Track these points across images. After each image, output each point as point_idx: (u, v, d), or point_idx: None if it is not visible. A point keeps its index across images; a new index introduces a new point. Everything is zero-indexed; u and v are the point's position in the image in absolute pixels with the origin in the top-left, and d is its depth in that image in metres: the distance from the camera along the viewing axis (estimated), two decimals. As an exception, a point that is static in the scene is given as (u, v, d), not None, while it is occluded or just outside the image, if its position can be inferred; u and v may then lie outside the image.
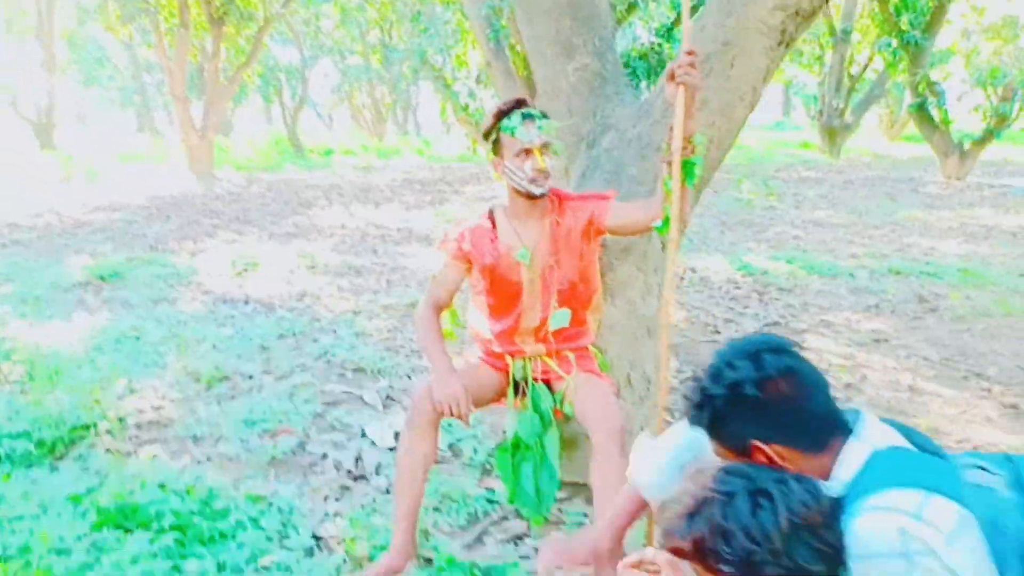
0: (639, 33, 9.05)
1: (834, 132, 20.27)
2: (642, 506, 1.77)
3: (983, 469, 1.36)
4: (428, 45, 10.17)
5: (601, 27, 3.14)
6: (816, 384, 1.38)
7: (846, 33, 19.16)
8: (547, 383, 2.43)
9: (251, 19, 18.18)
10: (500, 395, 2.47)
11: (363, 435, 3.33)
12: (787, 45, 2.62)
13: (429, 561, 2.34)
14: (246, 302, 5.59)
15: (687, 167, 2.10)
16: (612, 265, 2.62)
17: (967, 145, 14.70)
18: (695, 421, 1.43)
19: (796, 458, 1.35)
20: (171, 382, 3.87)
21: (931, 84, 17.15)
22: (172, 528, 2.35)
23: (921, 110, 15.63)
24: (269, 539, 2.40)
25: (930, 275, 6.08)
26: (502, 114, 2.29)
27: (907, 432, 1.41)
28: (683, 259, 6.91)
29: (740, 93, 2.62)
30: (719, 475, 1.27)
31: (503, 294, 2.41)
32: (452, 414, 2.17)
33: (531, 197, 2.30)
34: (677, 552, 1.27)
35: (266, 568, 2.25)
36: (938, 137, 15.17)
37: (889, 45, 17.95)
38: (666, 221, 2.14)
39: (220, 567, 2.21)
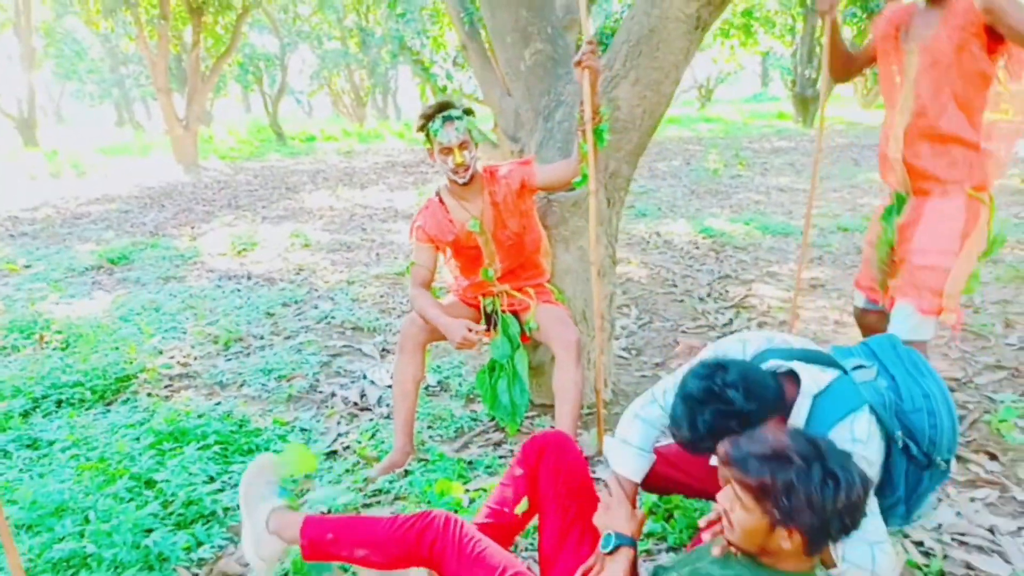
0: (615, 8, 9.58)
1: (807, 101, 20.84)
2: (635, 489, 2.04)
3: (862, 367, 1.91)
4: (405, 30, 10.63)
5: (553, 17, 3.68)
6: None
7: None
8: (515, 314, 2.99)
9: (230, 8, 18.46)
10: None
11: (364, 378, 3.88)
12: (703, 29, 3.16)
13: (425, 461, 2.90)
14: (248, 277, 6.11)
15: (597, 133, 2.67)
16: (565, 218, 3.18)
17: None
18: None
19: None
20: (192, 343, 4.41)
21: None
22: (216, 443, 2.91)
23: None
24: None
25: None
26: (428, 117, 2.81)
27: (815, 356, 1.91)
28: (649, 225, 7.47)
29: (666, 71, 3.16)
30: (798, 438, 1.50)
31: (466, 257, 3.00)
32: (469, 345, 2.73)
33: (462, 183, 2.84)
34: (729, 467, 1.49)
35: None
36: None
37: (854, 15, 18.52)
38: (584, 176, 2.72)
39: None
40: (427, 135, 2.83)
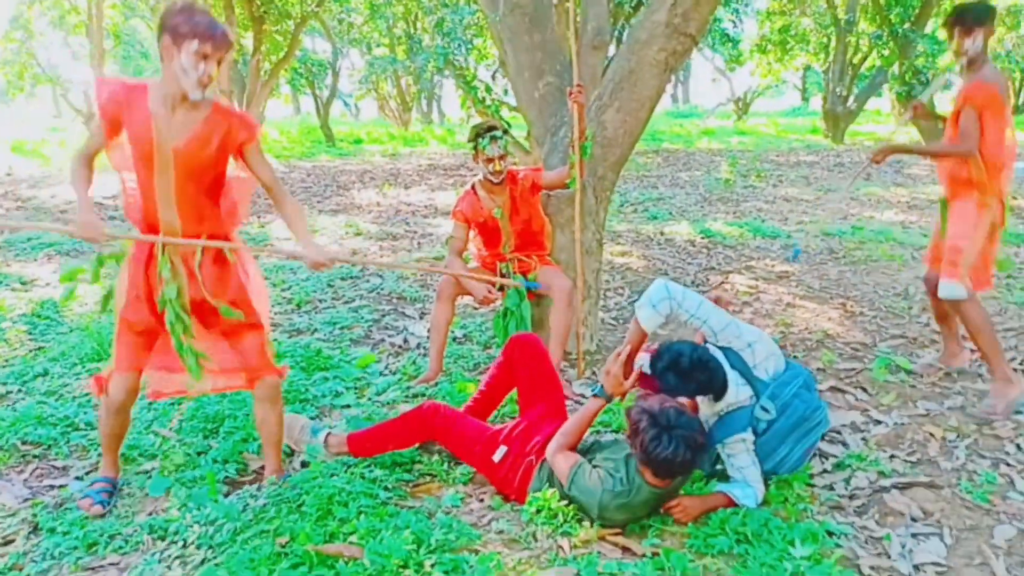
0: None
1: (837, 118, 21.35)
2: (643, 336, 2.98)
3: (807, 388, 2.90)
4: (450, 46, 11.75)
5: (561, 56, 4.76)
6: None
7: (849, 23, 20.28)
8: (523, 273, 4.09)
9: (288, 16, 19.86)
10: (493, 283, 4.14)
11: (406, 331, 4.99)
12: (670, 71, 4.21)
13: (450, 379, 4.00)
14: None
15: (583, 148, 3.77)
16: (561, 209, 4.25)
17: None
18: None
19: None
20: (272, 303, 5.56)
21: (916, 72, 18.45)
22: (300, 361, 4.04)
23: (908, 98, 16.96)
24: (359, 369, 4.09)
25: (850, 235, 7.62)
26: (479, 134, 3.98)
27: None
28: (656, 226, 8.50)
29: (641, 102, 4.20)
30: (669, 410, 2.48)
31: (489, 234, 4.14)
32: (488, 302, 3.91)
33: (493, 183, 3.99)
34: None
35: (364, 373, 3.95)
36: (923, 123, 16.49)
37: (880, 37, 19.25)
38: (572, 180, 3.84)
39: (336, 378, 3.90)
40: (476, 146, 4.00)
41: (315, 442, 3.08)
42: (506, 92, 11.23)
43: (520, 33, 4.76)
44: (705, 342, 2.94)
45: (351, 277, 6.42)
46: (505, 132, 4.02)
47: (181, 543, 2.49)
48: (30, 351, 4.50)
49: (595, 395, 2.80)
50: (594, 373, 4.21)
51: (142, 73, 32.44)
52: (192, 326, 2.71)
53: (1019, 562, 2.43)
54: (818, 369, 4.13)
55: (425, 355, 4.48)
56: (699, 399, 2.81)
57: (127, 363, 2.73)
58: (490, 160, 3.96)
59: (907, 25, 18.13)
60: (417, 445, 3.09)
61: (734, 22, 17.84)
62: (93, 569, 2.44)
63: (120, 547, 2.53)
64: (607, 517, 2.57)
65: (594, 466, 2.64)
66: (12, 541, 2.60)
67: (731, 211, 9.80)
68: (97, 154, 2.67)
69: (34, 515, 2.73)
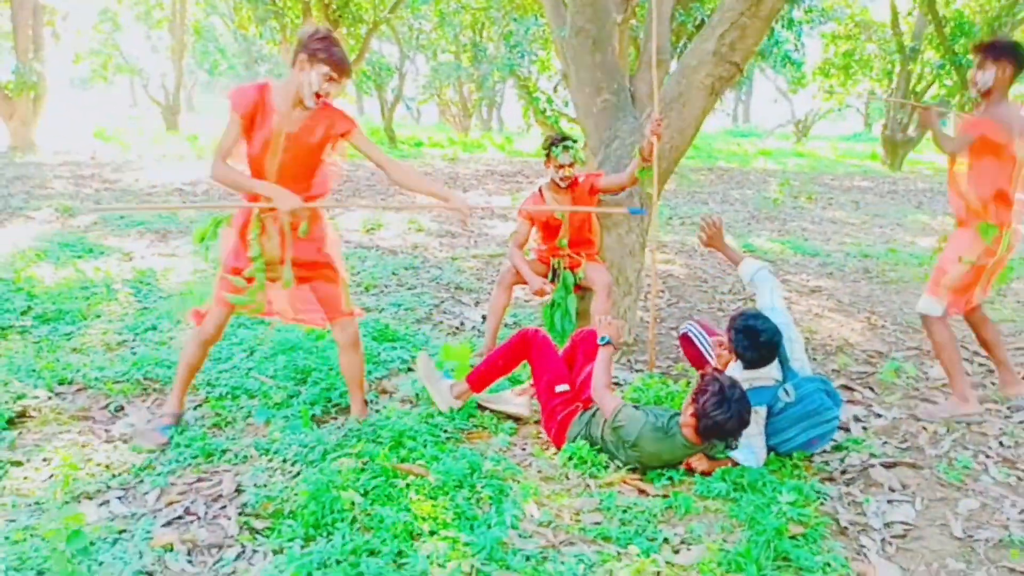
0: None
1: (896, 145, 21.30)
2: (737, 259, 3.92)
3: (827, 393, 3.38)
4: (515, 58, 12.35)
5: (619, 75, 5.27)
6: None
7: (914, 51, 20.31)
8: (571, 269, 4.61)
9: (361, 21, 20.74)
10: (545, 277, 4.66)
11: (463, 315, 5.55)
12: (716, 94, 4.71)
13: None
14: (376, 249, 7.89)
15: (646, 171, 4.29)
16: (609, 214, 4.76)
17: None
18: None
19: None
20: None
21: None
22: (372, 332, 4.62)
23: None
24: (424, 341, 4.66)
25: (886, 258, 7.97)
26: (553, 143, 4.55)
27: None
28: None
29: (688, 122, 4.70)
30: (735, 383, 3.05)
31: (550, 231, 4.66)
32: (541, 293, 4.45)
33: (559, 187, 4.51)
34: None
35: (426, 345, 4.51)
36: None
37: (943, 67, 19.30)
38: (644, 173, 4.38)
39: (402, 348, 4.48)
40: (549, 153, 4.57)
41: (446, 383, 3.67)
42: (566, 104, 11.77)
43: (583, 53, 5.29)
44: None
45: (412, 268, 7.01)
46: (575, 142, 4.57)
47: (281, 459, 3.08)
48: (137, 310, 5.18)
49: (605, 344, 3.40)
50: (628, 361, 4.72)
51: (217, 67, 33.79)
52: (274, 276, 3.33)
53: (975, 526, 2.87)
54: (833, 371, 4.57)
55: (479, 336, 5.03)
56: (736, 363, 3.34)
57: (222, 307, 3.34)
58: (561, 166, 4.51)
59: (970, 57, 18.16)
60: (476, 401, 3.67)
61: (796, 45, 18.14)
62: (211, 473, 3.04)
63: (231, 459, 3.13)
64: (640, 446, 3.10)
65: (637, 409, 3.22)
66: (148, 449, 3.22)
67: (777, 229, 10.18)
68: (233, 148, 3.25)
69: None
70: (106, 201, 10.12)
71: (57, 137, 18.09)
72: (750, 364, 3.29)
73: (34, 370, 3.87)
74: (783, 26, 16.86)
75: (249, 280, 3.30)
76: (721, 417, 2.97)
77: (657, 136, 4.25)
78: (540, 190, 4.72)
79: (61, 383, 3.79)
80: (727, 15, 4.48)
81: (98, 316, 4.93)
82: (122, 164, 15.18)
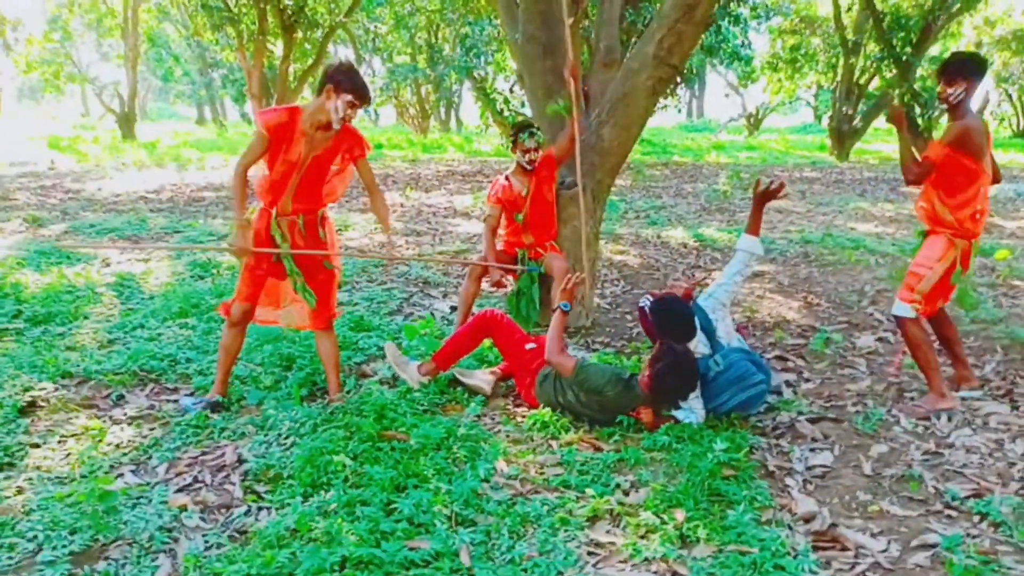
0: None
1: (843, 136, 22.04)
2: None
3: (754, 362, 3.83)
4: (472, 62, 12.75)
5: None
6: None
7: (856, 45, 21.07)
8: (535, 259, 5.02)
9: (317, 26, 20.91)
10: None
11: (432, 307, 5.92)
12: (657, 94, 5.15)
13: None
14: (345, 248, 8.22)
15: (565, 107, 4.82)
16: (565, 206, 5.19)
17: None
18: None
19: None
20: (316, 282, 6.49)
21: (916, 95, 19.27)
22: (349, 323, 4.98)
23: (908, 121, 17.80)
24: (397, 330, 5.03)
25: (825, 243, 8.51)
26: (519, 130, 5.01)
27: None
28: (655, 230, 9.42)
29: (633, 119, 5.14)
30: (684, 351, 3.57)
31: (514, 212, 5.04)
32: (500, 285, 4.89)
33: (525, 170, 4.92)
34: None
35: (399, 333, 4.89)
36: (920, 143, 17.33)
37: (883, 59, 20.10)
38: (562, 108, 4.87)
39: (377, 336, 4.84)
40: (516, 139, 5.03)
41: (413, 366, 4.11)
42: (523, 104, 12.20)
43: (534, 59, 5.71)
44: (691, 298, 3.95)
45: (381, 265, 7.36)
46: (538, 130, 5.03)
47: (276, 433, 3.45)
48: (122, 311, 5.46)
49: (563, 310, 3.85)
50: (586, 342, 5.14)
51: (172, 74, 33.56)
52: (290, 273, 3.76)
53: (883, 466, 3.34)
54: (770, 344, 5.04)
55: (449, 324, 5.41)
56: None
57: (245, 295, 3.74)
58: (527, 151, 4.98)
59: (908, 50, 18.99)
60: (452, 372, 4.09)
61: (744, 41, 18.76)
62: (213, 448, 3.40)
63: (230, 436, 3.49)
64: (604, 392, 3.56)
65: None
66: (152, 431, 3.56)
67: (726, 219, 10.70)
68: (254, 163, 3.65)
69: (162, 415, 3.69)
70: (72, 211, 10.28)
71: (9, 147, 18.01)
72: (675, 339, 3.70)
73: (36, 365, 4.16)
74: (730, 23, 17.50)
75: (266, 275, 3.74)
76: (672, 381, 3.44)
77: (575, 77, 4.73)
78: (507, 177, 5.16)
79: (63, 376, 4.09)
80: (664, 21, 4.92)
81: (86, 317, 5.21)
82: (82, 174, 15.22)
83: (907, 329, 3.98)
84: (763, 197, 4.09)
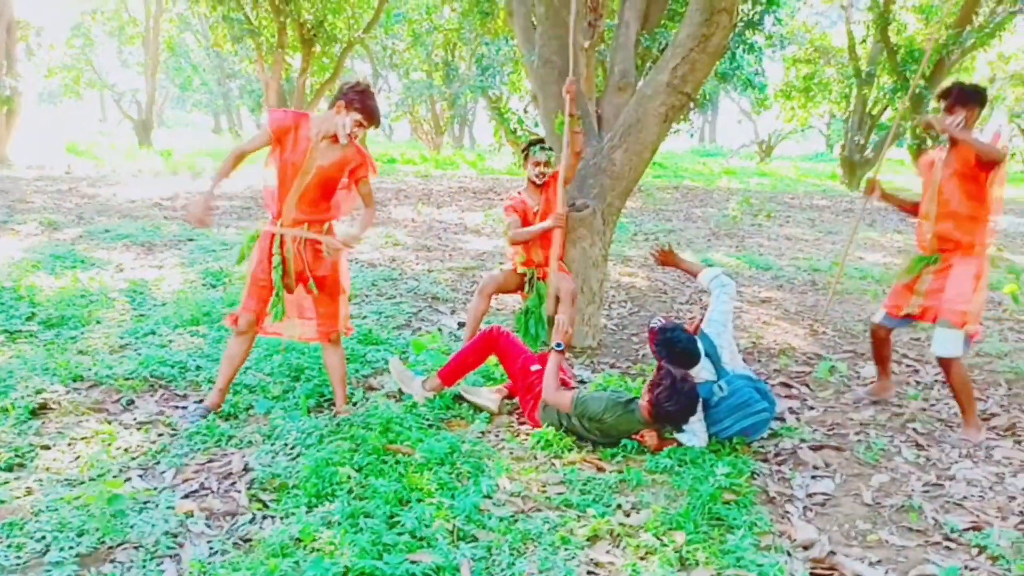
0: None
1: (854, 165, 22.12)
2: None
3: (759, 391, 3.88)
4: (487, 81, 12.86)
5: (585, 101, 5.76)
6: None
7: (869, 76, 21.17)
8: (542, 279, 5.07)
9: (336, 40, 21.14)
10: (520, 287, 5.12)
11: (440, 322, 5.97)
12: (669, 121, 5.21)
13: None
14: (356, 261, 8.29)
15: (561, 123, 4.86)
16: (574, 227, 5.24)
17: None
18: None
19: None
20: (326, 294, 6.55)
21: (928, 127, 19.30)
22: (358, 337, 5.03)
23: (918, 150, 17.88)
24: (404, 344, 5.07)
25: (832, 272, 8.53)
26: (532, 145, 5.09)
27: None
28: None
29: (644, 145, 5.20)
30: (679, 376, 3.55)
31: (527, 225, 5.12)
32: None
33: (537, 185, 5.00)
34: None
35: (406, 348, 4.92)
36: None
37: (896, 91, 20.17)
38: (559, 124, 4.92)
39: (385, 350, 4.89)
40: (527, 154, 5.11)
41: (418, 381, 4.16)
42: (536, 124, 12.29)
43: (550, 83, 5.79)
44: (698, 329, 3.97)
45: (391, 279, 7.43)
46: (550, 148, 5.11)
47: (283, 443, 3.49)
48: (134, 316, 5.53)
49: (557, 350, 3.87)
50: (592, 362, 5.18)
51: (190, 84, 33.91)
52: (291, 286, 3.79)
53: (884, 495, 3.35)
54: (775, 370, 5.06)
55: (456, 340, 5.46)
56: None
57: (251, 306, 3.80)
58: (538, 163, 5.05)
59: (921, 82, 19.07)
60: (457, 389, 4.13)
61: (757, 69, 18.87)
62: (220, 455, 3.44)
63: (238, 444, 3.53)
64: (604, 420, 3.58)
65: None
66: (160, 437, 3.60)
67: (735, 245, 10.74)
68: (250, 153, 3.73)
69: (170, 422, 3.74)
70: (88, 215, 10.39)
71: (28, 151, 18.21)
72: (679, 366, 3.74)
73: (48, 368, 4.22)
74: (744, 51, 17.62)
75: (271, 288, 3.79)
76: (671, 407, 3.45)
77: (571, 94, 4.75)
78: (520, 193, 5.24)
79: (75, 380, 4.15)
80: (678, 50, 5.00)
81: (99, 322, 5.28)
82: (98, 179, 15.40)
83: (954, 371, 3.96)
84: (664, 261, 4.56)
